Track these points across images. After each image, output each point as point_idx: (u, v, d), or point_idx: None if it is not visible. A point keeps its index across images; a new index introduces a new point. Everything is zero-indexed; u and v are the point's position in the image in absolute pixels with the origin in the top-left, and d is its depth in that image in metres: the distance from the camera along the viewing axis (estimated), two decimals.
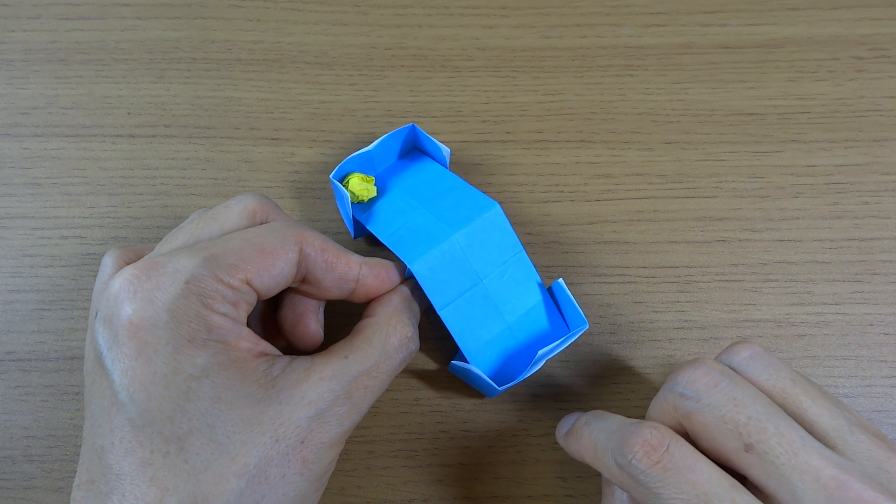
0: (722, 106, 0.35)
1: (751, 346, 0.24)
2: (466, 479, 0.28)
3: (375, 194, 0.30)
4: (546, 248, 0.32)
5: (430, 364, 0.30)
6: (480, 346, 0.28)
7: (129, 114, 0.34)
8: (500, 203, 0.29)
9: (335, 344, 0.25)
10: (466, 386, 0.30)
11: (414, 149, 0.32)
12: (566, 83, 0.35)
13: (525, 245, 0.32)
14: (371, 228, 0.29)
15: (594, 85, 0.35)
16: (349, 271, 0.25)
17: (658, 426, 0.22)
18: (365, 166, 0.30)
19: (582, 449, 0.24)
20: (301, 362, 0.23)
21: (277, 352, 0.24)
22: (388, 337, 0.25)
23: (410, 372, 0.30)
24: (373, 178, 0.30)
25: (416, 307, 0.27)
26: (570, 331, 0.28)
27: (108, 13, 0.36)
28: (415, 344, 0.26)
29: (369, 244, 0.32)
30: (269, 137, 0.34)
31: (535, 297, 0.29)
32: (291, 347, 0.27)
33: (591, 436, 0.24)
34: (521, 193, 0.33)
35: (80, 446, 0.28)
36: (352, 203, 0.29)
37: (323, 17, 0.37)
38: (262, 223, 0.25)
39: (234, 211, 0.25)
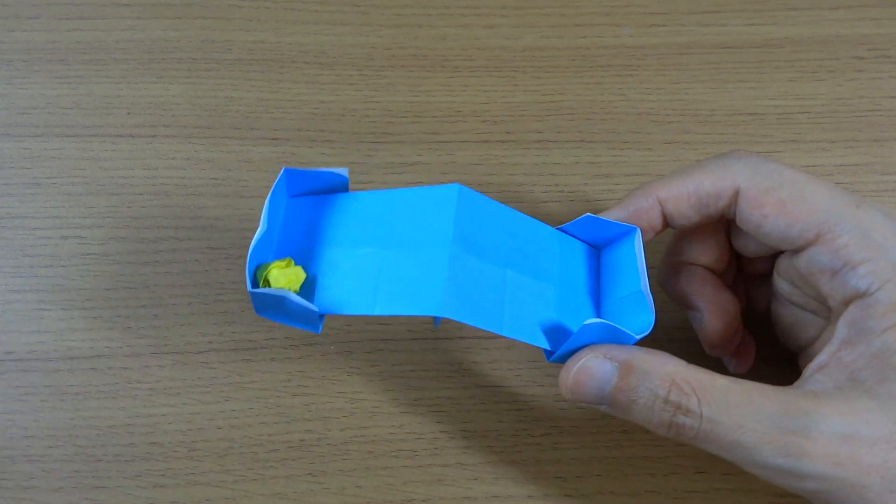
0: (722, 106, 0.35)
1: None
2: (466, 479, 0.28)
3: (305, 275, 0.24)
4: None
5: (430, 363, 0.30)
6: (556, 328, 0.24)
7: (129, 114, 0.34)
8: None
9: None
10: (467, 385, 0.30)
11: (302, 195, 0.26)
12: (566, 83, 0.35)
13: None
14: (347, 311, 0.23)
15: (594, 85, 0.35)
16: None
17: None
18: (268, 249, 0.24)
19: None
20: None
21: None
22: None
23: (411, 371, 0.30)
24: (289, 258, 0.24)
25: None
26: (617, 234, 0.25)
27: (108, 13, 0.36)
28: None
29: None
30: (269, 137, 0.34)
31: (558, 244, 0.25)
32: None
33: None
34: (521, 193, 0.33)
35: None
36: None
37: (323, 17, 0.37)
38: None
39: None
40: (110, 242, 0.32)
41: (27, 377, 0.29)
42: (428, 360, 0.30)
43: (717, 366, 0.28)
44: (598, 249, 0.26)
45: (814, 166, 0.34)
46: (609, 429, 0.29)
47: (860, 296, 0.21)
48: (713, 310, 0.25)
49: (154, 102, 0.34)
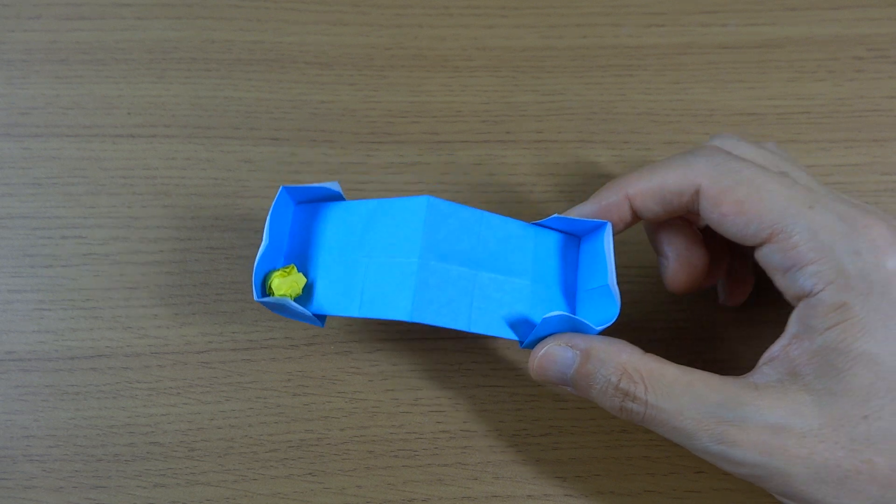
0: (722, 106, 0.35)
1: None
2: (466, 479, 0.28)
3: (306, 279, 0.26)
4: None
5: (430, 363, 0.30)
6: (524, 321, 0.25)
7: (129, 114, 0.34)
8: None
9: None
10: (467, 385, 0.30)
11: (304, 203, 0.28)
12: (566, 83, 0.35)
13: None
14: (336, 312, 0.26)
15: (594, 85, 0.35)
16: None
17: None
18: (279, 254, 0.27)
19: None
20: None
21: None
22: None
23: (410, 371, 0.30)
24: (291, 265, 0.26)
25: None
26: (590, 228, 0.26)
27: (108, 13, 0.36)
28: None
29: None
30: (269, 137, 0.34)
31: (532, 239, 0.26)
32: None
33: None
34: (521, 193, 0.33)
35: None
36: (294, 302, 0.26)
37: (323, 17, 0.37)
38: None
39: None
40: (111, 242, 0.32)
41: (28, 377, 0.29)
42: (428, 360, 0.30)
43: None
44: (580, 238, 0.27)
45: (813, 166, 0.34)
46: (609, 429, 0.29)
47: (806, 295, 0.22)
48: (680, 261, 0.26)
49: (154, 102, 0.34)
